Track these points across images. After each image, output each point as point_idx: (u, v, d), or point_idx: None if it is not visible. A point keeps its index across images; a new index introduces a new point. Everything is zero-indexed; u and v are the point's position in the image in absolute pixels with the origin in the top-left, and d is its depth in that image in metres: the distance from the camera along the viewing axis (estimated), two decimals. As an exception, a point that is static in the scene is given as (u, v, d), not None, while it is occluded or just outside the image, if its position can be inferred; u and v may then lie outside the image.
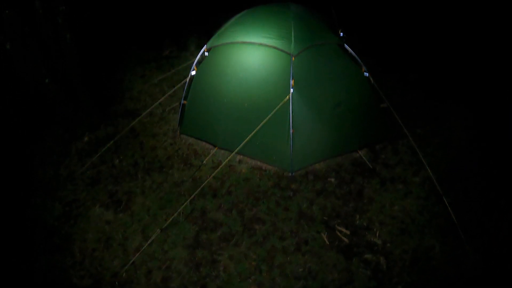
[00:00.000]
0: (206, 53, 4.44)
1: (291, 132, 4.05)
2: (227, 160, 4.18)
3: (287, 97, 3.94)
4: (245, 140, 3.98)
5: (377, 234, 3.73)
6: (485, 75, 5.47)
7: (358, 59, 4.25)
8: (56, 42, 5.05)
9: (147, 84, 6.07)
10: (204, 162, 4.56)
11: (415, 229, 3.74)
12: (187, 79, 4.65)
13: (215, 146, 4.64)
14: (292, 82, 3.92)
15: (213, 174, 4.11)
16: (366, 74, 4.28)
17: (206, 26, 6.91)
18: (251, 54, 4.16)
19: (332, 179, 4.28)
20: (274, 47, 4.00)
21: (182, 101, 4.74)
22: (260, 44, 4.05)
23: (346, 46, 4.22)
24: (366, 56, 4.48)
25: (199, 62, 4.51)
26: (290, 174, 4.28)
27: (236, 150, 4.06)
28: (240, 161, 4.53)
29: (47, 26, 4.91)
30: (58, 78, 5.16)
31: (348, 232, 3.76)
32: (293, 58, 3.91)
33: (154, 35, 7.11)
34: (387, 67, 5.82)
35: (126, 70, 6.46)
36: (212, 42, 4.39)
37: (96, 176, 4.55)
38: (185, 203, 3.95)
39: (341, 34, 4.59)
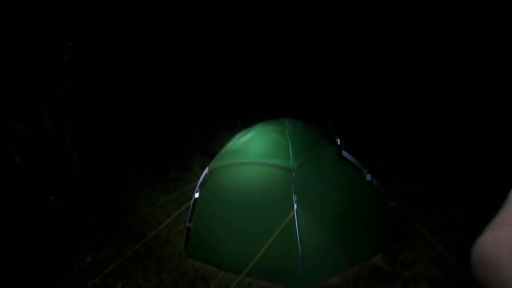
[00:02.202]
0: (209, 175, 4.53)
1: (299, 248, 3.90)
2: (235, 283, 3.97)
3: (292, 213, 3.89)
4: (253, 262, 3.83)
5: None
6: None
7: (358, 164, 4.30)
8: (64, 160, 5.21)
9: (152, 206, 6.11)
10: (212, 286, 4.33)
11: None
12: (191, 202, 4.67)
13: (222, 269, 4.44)
14: (295, 197, 3.90)
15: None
16: (368, 177, 4.29)
17: (209, 146, 7.21)
18: (252, 174, 4.25)
19: (351, 292, 4.01)
20: (273, 165, 4.09)
21: (187, 224, 4.68)
22: (260, 164, 4.16)
23: (344, 153, 4.30)
24: (367, 152, 4.57)
25: (202, 184, 4.56)
26: (304, 292, 4.03)
27: (244, 273, 3.87)
28: (249, 284, 4.27)
29: (56, 144, 5.12)
30: (64, 195, 5.22)
31: None
32: (293, 174, 3.96)
33: (159, 157, 7.38)
34: (392, 155, 5.93)
35: (132, 192, 6.57)
36: (213, 164, 4.52)
37: (97, 300, 4.29)
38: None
39: (338, 141, 4.71)
